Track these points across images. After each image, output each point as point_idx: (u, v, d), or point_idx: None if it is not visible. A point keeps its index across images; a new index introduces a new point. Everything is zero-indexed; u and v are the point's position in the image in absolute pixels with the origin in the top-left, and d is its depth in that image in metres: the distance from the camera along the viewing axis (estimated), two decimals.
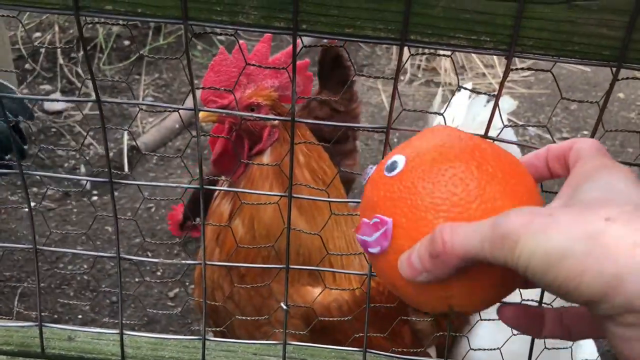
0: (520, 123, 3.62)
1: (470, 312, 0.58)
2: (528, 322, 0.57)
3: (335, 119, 2.23)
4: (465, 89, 0.79)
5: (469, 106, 1.52)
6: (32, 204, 2.72)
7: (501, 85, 0.70)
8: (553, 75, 0.69)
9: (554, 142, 0.60)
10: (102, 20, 0.62)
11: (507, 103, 1.60)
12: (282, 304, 0.81)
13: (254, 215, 1.14)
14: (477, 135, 0.59)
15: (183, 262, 0.64)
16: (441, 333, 1.22)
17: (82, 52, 3.67)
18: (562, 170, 0.57)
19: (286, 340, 0.82)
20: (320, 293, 1.11)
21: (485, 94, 0.80)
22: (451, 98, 1.29)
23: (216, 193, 1.24)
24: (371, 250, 0.54)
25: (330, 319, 1.10)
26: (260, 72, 1.14)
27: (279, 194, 1.00)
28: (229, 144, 1.18)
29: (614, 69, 0.63)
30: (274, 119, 1.12)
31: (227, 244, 1.18)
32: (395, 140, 3.43)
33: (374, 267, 0.58)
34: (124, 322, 0.83)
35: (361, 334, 0.84)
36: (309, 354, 0.85)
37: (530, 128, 3.59)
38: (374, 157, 3.29)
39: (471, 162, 0.52)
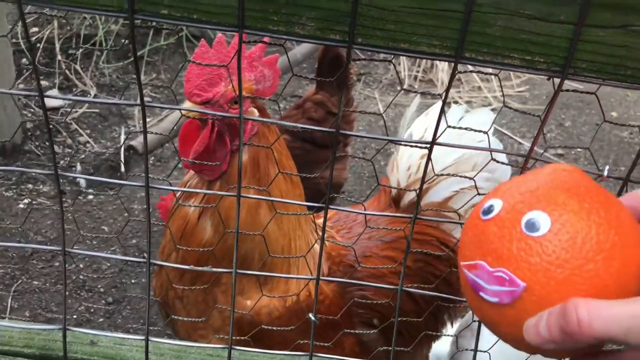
0: (516, 138, 3.65)
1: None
2: None
3: (329, 122, 2.21)
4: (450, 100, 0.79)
5: (445, 118, 1.50)
6: (27, 200, 2.69)
7: (447, 91, 0.70)
8: (597, 97, 0.70)
9: (551, 158, 0.60)
10: (156, 23, 0.62)
11: (486, 116, 1.57)
12: (310, 315, 0.80)
13: (228, 216, 1.10)
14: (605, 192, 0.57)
15: (126, 258, 0.63)
16: (389, 348, 1.22)
17: (131, 59, 3.64)
18: None
19: (312, 352, 0.82)
20: (258, 300, 1.10)
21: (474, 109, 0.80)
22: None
23: (179, 193, 1.19)
24: (484, 296, 0.54)
25: (264, 325, 1.09)
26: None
27: (254, 196, 0.98)
28: (212, 141, 1.13)
29: None
30: (260, 120, 1.12)
31: (192, 245, 1.15)
32: (392, 149, 3.44)
33: (472, 302, 0.56)
34: (118, 323, 0.81)
35: (302, 342, 0.83)
36: None
37: (525, 143, 3.62)
38: (369, 165, 3.29)
39: (615, 239, 0.51)
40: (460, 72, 0.73)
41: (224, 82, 1.10)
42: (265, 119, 1.01)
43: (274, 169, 1.13)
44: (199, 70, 1.10)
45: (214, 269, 0.79)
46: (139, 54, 3.71)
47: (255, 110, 1.14)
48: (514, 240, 0.52)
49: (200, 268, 0.86)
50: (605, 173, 0.70)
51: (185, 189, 1.13)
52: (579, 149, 3.61)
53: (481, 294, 0.54)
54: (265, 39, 1.16)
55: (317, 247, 1.19)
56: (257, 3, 0.60)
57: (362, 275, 1.23)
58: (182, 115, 1.08)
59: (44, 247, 0.78)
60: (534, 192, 0.54)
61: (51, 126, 3.15)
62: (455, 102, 3.98)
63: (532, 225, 0.52)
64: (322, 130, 0.69)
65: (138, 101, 0.67)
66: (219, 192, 0.93)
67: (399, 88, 4.11)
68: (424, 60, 4.28)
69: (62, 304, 2.18)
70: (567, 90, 0.70)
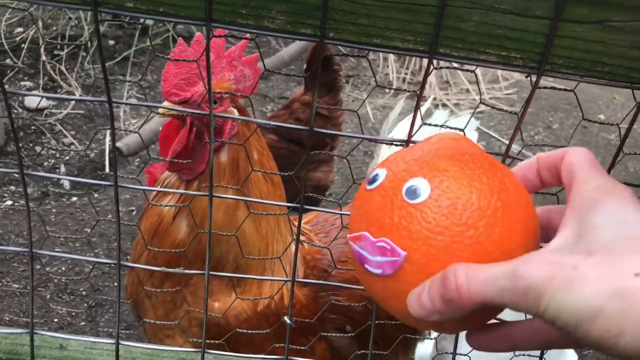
0: (504, 140, 3.65)
1: (453, 333, 0.57)
2: (501, 343, 0.56)
3: (317, 123, 2.20)
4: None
5: (428, 121, 1.48)
6: (9, 202, 2.66)
7: (422, 86, 0.68)
8: (576, 95, 0.69)
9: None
10: (121, 18, 0.60)
11: (467, 121, 1.52)
12: (285, 318, 0.79)
13: (204, 216, 1.08)
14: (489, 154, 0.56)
15: (97, 260, 0.61)
16: (362, 351, 1.20)
17: (96, 51, 3.60)
18: (553, 180, 0.57)
19: (288, 356, 0.80)
20: (232, 303, 1.08)
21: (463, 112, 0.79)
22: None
23: (152, 193, 1.17)
24: (368, 267, 0.52)
25: (229, 325, 1.07)
26: (218, 64, 1.10)
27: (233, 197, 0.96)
28: (190, 140, 1.11)
29: None
30: (238, 118, 1.10)
31: (165, 244, 1.13)
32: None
33: (360, 276, 0.55)
34: (101, 326, 0.79)
35: (271, 347, 0.82)
36: None
37: (513, 145, 3.62)
38: (358, 167, 3.28)
39: (497, 204, 0.50)
40: (436, 68, 0.72)
41: (201, 82, 1.08)
42: (241, 117, 0.99)
43: (253, 169, 1.12)
44: (177, 69, 1.08)
45: (186, 271, 0.77)
46: (125, 54, 3.69)
47: (235, 111, 1.12)
48: (395, 208, 0.51)
49: (171, 270, 0.84)
50: None
51: (158, 189, 1.11)
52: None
53: (366, 266, 0.52)
54: (247, 36, 1.15)
55: (293, 249, 1.18)
56: None
57: (336, 281, 1.21)
58: (158, 114, 1.07)
59: (10, 248, 0.76)
60: (417, 160, 0.53)
61: (34, 127, 3.11)
62: (444, 105, 3.97)
63: (412, 193, 0.51)
64: (297, 128, 0.67)
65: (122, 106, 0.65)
66: (192, 192, 0.91)
67: (386, 90, 4.10)
68: (412, 63, 4.27)
69: (43, 308, 2.15)
70: (545, 88, 0.69)
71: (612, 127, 3.94)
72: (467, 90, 4.17)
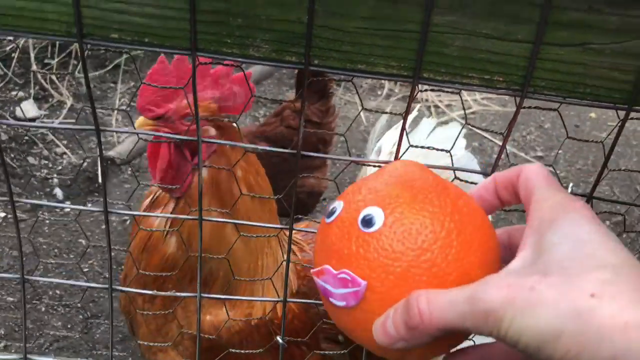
0: (496, 141, 3.66)
1: None
2: None
3: (308, 129, 2.19)
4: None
5: (414, 132, 1.48)
6: (2, 214, 2.65)
7: (406, 113, 0.69)
8: (560, 114, 0.69)
9: (530, 160, 0.60)
10: (106, 48, 0.60)
11: (457, 130, 1.51)
12: (278, 338, 0.79)
13: (191, 233, 1.09)
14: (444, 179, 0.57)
15: (89, 285, 0.61)
16: None
17: (82, 79, 3.60)
18: (511, 198, 0.57)
19: None
20: (223, 317, 1.08)
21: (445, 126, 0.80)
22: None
23: (145, 202, 1.18)
24: (333, 301, 0.53)
25: (220, 338, 1.07)
26: (200, 83, 1.11)
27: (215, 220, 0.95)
28: (171, 157, 1.11)
29: (624, 112, 0.63)
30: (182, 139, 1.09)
31: (154, 258, 1.13)
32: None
33: (328, 310, 0.56)
34: (96, 338, 0.79)
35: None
36: None
37: (507, 146, 3.63)
38: (351, 171, 3.28)
39: (451, 226, 0.51)
40: (421, 91, 0.73)
41: (179, 98, 1.08)
42: (218, 141, 0.96)
43: (237, 187, 1.10)
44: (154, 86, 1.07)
45: (177, 293, 0.77)
46: (116, 62, 3.69)
47: (212, 129, 1.10)
48: (352, 238, 0.52)
49: (162, 293, 0.84)
50: (569, 191, 0.70)
51: (145, 214, 1.10)
52: (560, 151, 3.63)
53: (331, 299, 0.53)
54: (226, 62, 1.14)
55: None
56: (210, 26, 0.59)
57: None
58: (135, 131, 1.06)
59: (1, 274, 0.76)
60: (370, 190, 0.54)
61: (27, 138, 3.11)
62: (436, 107, 3.98)
63: (368, 222, 0.51)
64: (284, 152, 0.67)
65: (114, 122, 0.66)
66: (181, 216, 0.91)
67: (378, 92, 4.11)
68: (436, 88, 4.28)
69: (37, 321, 2.15)
70: (530, 107, 0.70)
71: (603, 125, 3.97)
72: (459, 91, 4.18)
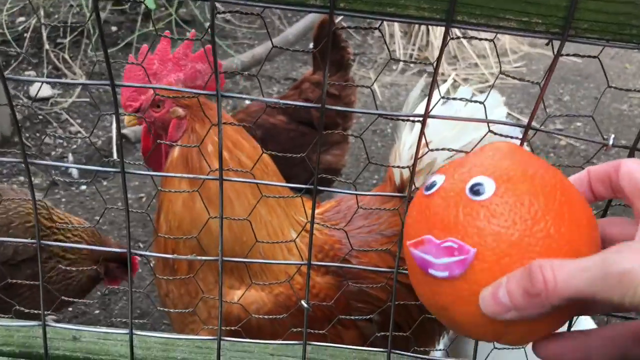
0: (514, 114, 3.60)
1: (516, 345, 0.56)
2: (572, 353, 0.53)
3: (327, 104, 2.15)
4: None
5: (451, 101, 1.42)
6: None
7: (439, 58, 0.65)
8: (601, 62, 0.65)
9: (551, 133, 0.56)
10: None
11: (495, 98, 1.47)
12: (302, 302, 0.76)
13: (169, 209, 1.15)
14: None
15: (108, 249, 0.58)
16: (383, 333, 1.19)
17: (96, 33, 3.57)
18: (607, 192, 0.56)
19: (306, 341, 0.78)
20: (245, 291, 1.09)
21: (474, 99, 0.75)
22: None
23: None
24: (434, 272, 0.51)
25: (250, 320, 1.07)
26: (163, 69, 1.18)
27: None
28: (149, 142, 1.24)
29: None
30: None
31: (158, 241, 1.21)
32: (389, 130, 3.39)
33: (420, 285, 0.54)
34: (115, 314, 0.77)
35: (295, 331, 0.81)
36: (329, 354, 0.81)
37: (523, 118, 3.56)
38: (368, 147, 3.24)
39: (562, 200, 0.50)
40: (452, 39, 0.69)
41: (150, 90, 1.17)
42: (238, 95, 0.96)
43: (209, 161, 1.13)
44: (129, 81, 1.17)
45: (198, 257, 0.75)
46: (127, 40, 3.66)
47: (179, 109, 1.16)
48: (459, 206, 0.51)
49: (182, 257, 0.82)
50: (611, 142, 0.66)
51: (166, 174, 1.10)
52: (578, 123, 3.56)
53: (430, 270, 0.51)
54: (192, 34, 1.20)
55: (298, 238, 1.15)
56: None
57: (358, 270, 1.18)
58: (126, 124, 1.22)
59: (17, 240, 0.74)
60: (476, 163, 0.53)
61: (40, 117, 3.10)
62: (454, 81, 3.92)
63: (477, 191, 0.50)
64: (306, 106, 0.64)
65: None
66: (200, 177, 0.88)
67: (393, 67, 4.05)
68: (419, 39, 4.21)
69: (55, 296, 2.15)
70: (568, 55, 0.65)
71: (624, 97, 3.88)
72: (476, 65, 4.11)
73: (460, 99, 0.66)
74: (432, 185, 0.53)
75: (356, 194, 0.75)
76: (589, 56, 0.66)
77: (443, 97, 0.67)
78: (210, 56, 1.16)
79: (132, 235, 2.47)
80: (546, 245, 0.48)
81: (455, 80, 3.87)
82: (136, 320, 2.00)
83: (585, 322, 1.43)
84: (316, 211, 1.27)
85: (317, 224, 1.10)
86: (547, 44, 0.61)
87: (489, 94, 0.76)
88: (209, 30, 0.60)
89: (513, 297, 0.47)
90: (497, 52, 0.69)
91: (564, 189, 0.51)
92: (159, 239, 1.19)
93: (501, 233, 0.49)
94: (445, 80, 3.89)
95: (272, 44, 0.65)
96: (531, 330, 0.52)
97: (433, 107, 0.66)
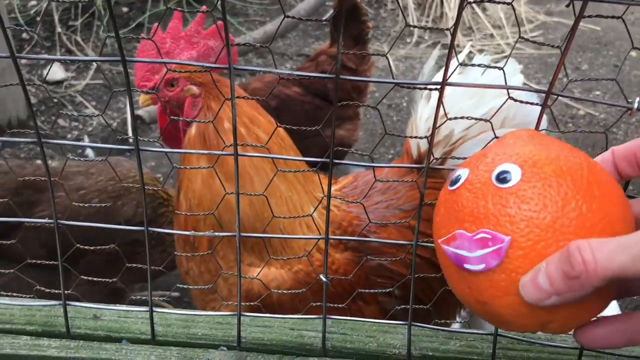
0: (531, 84, 3.54)
1: (560, 333, 0.55)
2: (616, 337, 0.52)
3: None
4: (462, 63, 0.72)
5: (467, 70, 1.39)
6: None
7: (456, 24, 0.63)
8: (624, 21, 0.63)
9: (571, 104, 0.55)
10: None
11: (512, 66, 1.44)
12: (321, 276, 0.76)
13: (188, 186, 1.16)
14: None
15: (125, 227, 0.58)
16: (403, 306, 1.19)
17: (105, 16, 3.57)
18: (633, 171, 0.55)
19: (326, 314, 0.78)
20: (262, 268, 1.10)
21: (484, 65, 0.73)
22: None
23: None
24: (469, 267, 0.50)
25: (271, 297, 1.08)
26: (176, 47, 1.18)
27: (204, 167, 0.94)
28: (166, 121, 1.24)
29: None
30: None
31: (179, 219, 1.23)
32: (405, 104, 3.36)
33: (457, 283, 0.53)
34: (135, 292, 0.77)
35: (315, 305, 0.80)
36: (349, 328, 0.80)
37: (541, 88, 3.51)
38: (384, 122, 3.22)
39: (591, 179, 0.49)
40: (470, 2, 0.67)
41: (164, 68, 1.15)
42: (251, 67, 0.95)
43: (225, 137, 1.13)
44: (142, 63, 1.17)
45: (215, 233, 0.74)
46: (138, 20, 3.64)
47: (193, 87, 1.16)
48: (487, 196, 0.50)
49: (200, 233, 0.82)
50: (636, 105, 0.64)
51: (182, 151, 1.09)
52: (597, 92, 3.50)
53: (466, 266, 0.50)
54: (203, 9, 1.20)
55: (316, 214, 1.14)
56: None
57: (377, 245, 1.17)
58: (141, 104, 1.23)
59: (35, 219, 0.74)
60: (498, 152, 0.52)
61: (56, 100, 3.11)
62: (470, 52, 3.86)
63: (503, 179, 0.50)
64: (319, 77, 0.63)
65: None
66: (215, 152, 0.88)
67: (408, 40, 4.00)
68: (433, 10, 4.15)
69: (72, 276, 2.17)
70: (590, 16, 0.63)
71: None
72: (492, 36, 4.05)
73: (479, 65, 0.64)
74: (457, 179, 0.53)
75: (373, 167, 0.74)
76: (612, 17, 0.64)
77: (461, 64, 0.65)
78: (222, 32, 1.15)
79: (147, 213, 2.49)
80: (580, 224, 0.47)
81: (471, 52, 3.81)
82: (157, 298, 2.02)
83: (609, 308, 1.41)
84: (333, 187, 1.26)
85: (335, 198, 1.08)
86: (567, 5, 0.59)
87: (506, 62, 0.74)
88: (220, 6, 0.58)
89: (553, 282, 0.46)
90: (516, 18, 0.67)
91: (590, 168, 0.51)
92: (178, 217, 1.19)
93: (533, 218, 0.48)
94: (460, 52, 3.83)
95: (285, 13, 0.64)
96: (574, 316, 0.51)
97: (451, 75, 0.64)
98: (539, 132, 0.55)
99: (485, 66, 0.67)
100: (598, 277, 0.45)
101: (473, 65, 0.65)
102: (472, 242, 0.49)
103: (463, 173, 0.53)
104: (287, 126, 0.73)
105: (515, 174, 0.50)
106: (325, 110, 2.16)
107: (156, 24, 1.16)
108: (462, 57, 1.46)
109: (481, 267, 0.49)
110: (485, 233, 0.49)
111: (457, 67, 0.66)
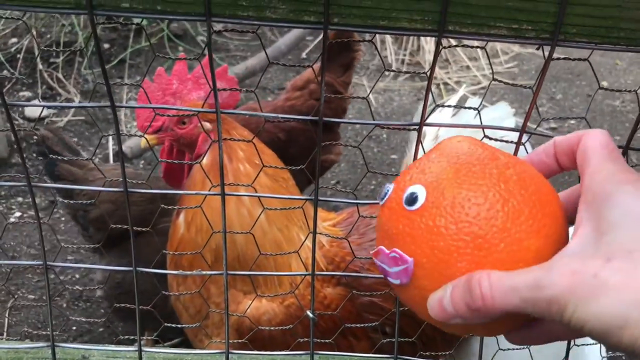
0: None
1: (488, 336, 0.58)
2: (542, 337, 0.55)
3: (334, 102, 2.22)
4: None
5: (460, 113, 1.42)
6: (18, 213, 2.65)
7: (432, 68, 0.66)
8: (590, 64, 0.66)
9: (545, 134, 0.57)
10: (117, 20, 0.58)
11: (504, 110, 1.45)
12: (308, 312, 0.77)
13: (195, 213, 1.18)
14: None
15: (112, 268, 0.59)
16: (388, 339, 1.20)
17: (93, 54, 3.59)
18: (571, 164, 0.56)
19: (313, 351, 0.79)
20: (253, 300, 1.12)
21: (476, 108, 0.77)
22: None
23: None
24: (390, 280, 0.54)
25: (262, 331, 1.09)
26: (184, 89, 1.22)
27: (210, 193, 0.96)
28: (173, 159, 1.27)
29: None
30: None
31: (172, 240, 1.24)
32: (384, 135, 3.41)
33: (394, 291, 0.57)
34: (119, 331, 0.78)
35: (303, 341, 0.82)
36: None
37: (517, 119, 3.58)
38: (364, 153, 3.26)
39: (495, 197, 0.50)
40: (445, 47, 0.71)
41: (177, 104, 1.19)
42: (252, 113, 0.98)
43: (241, 165, 1.16)
44: (151, 102, 1.21)
45: (203, 272, 0.76)
46: (120, 57, 3.67)
47: (206, 123, 1.19)
48: (399, 217, 0.53)
49: (188, 272, 0.83)
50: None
51: (170, 192, 1.11)
52: (572, 121, 3.58)
53: (388, 278, 0.54)
54: (181, 54, 1.27)
55: (309, 249, 1.16)
56: None
57: (370, 282, 1.19)
58: (142, 147, 1.26)
59: (24, 262, 0.75)
60: (418, 169, 0.55)
61: (36, 137, 3.10)
62: (445, 84, 3.94)
63: (412, 200, 0.52)
64: (305, 119, 0.65)
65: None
66: (202, 192, 0.89)
67: (386, 73, 4.07)
68: (410, 44, 4.23)
69: (59, 317, 2.15)
70: (558, 59, 0.67)
71: (616, 93, 3.90)
72: (468, 67, 4.13)
73: (454, 106, 0.68)
74: (385, 194, 0.56)
75: (356, 204, 0.76)
76: (579, 59, 0.68)
77: (438, 105, 0.68)
78: (207, 71, 1.18)
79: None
80: (477, 246, 0.49)
81: (447, 84, 3.89)
82: (144, 337, 2.00)
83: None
84: (328, 223, 1.28)
85: (328, 236, 1.10)
86: (537, 49, 0.63)
87: (512, 110, 0.78)
88: (206, 49, 0.61)
89: (457, 308, 0.48)
90: (488, 55, 0.70)
91: (501, 182, 0.51)
92: (172, 241, 1.22)
93: (432, 240, 0.50)
94: (451, 90, 3.91)
95: (269, 59, 0.66)
96: (492, 329, 0.54)
97: (428, 116, 0.67)
98: (468, 139, 0.56)
99: (459, 107, 0.70)
100: (496, 311, 0.47)
101: (452, 106, 0.68)
102: (389, 258, 0.53)
103: (389, 189, 0.56)
104: (270, 166, 0.76)
105: (422, 195, 0.52)
106: (326, 134, 2.25)
107: (161, 68, 1.22)
108: (456, 98, 1.50)
109: (398, 282, 0.53)
110: (396, 253, 0.52)
111: (435, 109, 0.69)
